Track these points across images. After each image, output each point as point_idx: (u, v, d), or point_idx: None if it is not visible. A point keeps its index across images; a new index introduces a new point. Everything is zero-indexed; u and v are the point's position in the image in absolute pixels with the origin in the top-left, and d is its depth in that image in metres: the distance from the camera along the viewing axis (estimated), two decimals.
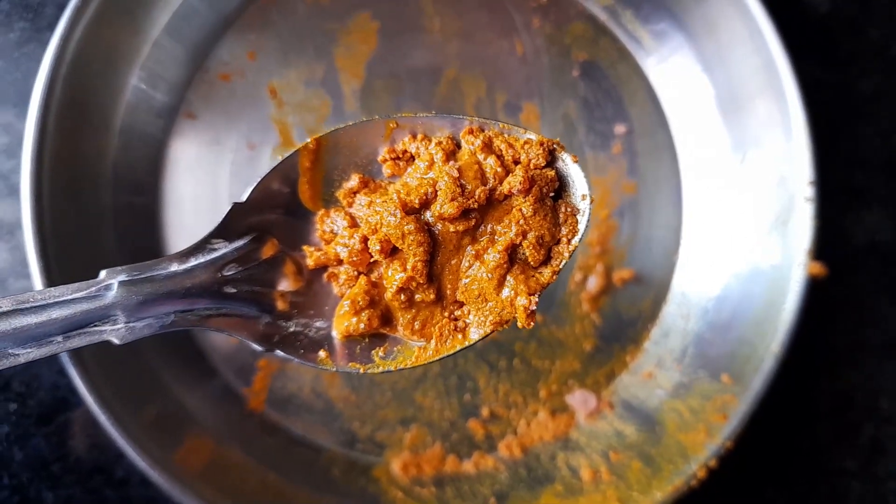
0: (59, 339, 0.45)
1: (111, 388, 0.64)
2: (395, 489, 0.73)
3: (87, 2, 0.65)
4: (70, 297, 0.45)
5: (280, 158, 0.53)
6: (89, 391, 0.62)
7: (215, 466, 0.69)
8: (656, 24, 0.78)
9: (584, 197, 0.50)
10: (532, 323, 0.48)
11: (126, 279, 0.47)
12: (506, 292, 0.49)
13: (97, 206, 0.70)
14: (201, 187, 0.75)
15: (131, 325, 0.47)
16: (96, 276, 0.47)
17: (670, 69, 0.79)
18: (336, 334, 0.53)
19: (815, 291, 0.68)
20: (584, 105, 0.80)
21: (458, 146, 0.52)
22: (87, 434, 0.71)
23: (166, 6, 0.71)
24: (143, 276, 0.47)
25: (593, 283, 0.78)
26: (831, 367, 0.79)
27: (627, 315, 0.79)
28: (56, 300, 0.45)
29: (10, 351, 0.44)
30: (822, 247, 0.69)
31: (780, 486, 0.77)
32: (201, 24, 0.75)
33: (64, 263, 0.64)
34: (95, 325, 0.46)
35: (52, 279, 0.63)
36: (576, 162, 0.50)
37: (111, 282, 0.46)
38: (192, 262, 0.50)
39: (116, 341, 0.46)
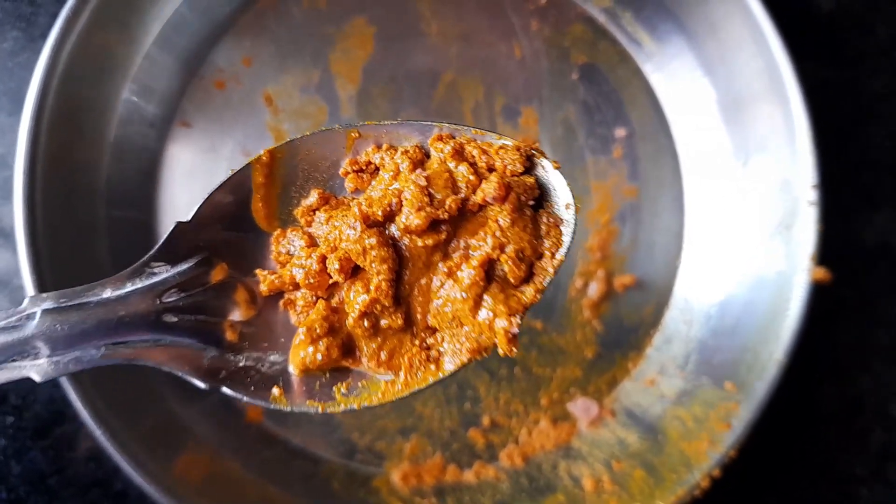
0: None
1: (106, 400, 0.63)
2: (396, 500, 0.72)
3: (79, 12, 0.64)
4: None
5: (232, 171, 0.49)
6: (84, 405, 0.61)
7: (213, 479, 0.68)
8: (657, 26, 0.77)
9: (567, 206, 0.46)
10: (514, 349, 0.43)
11: (51, 307, 0.42)
12: (483, 314, 0.44)
13: (91, 217, 0.69)
14: (197, 196, 0.72)
15: (55, 359, 0.42)
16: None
17: (671, 72, 0.78)
18: (293, 369, 0.47)
19: (823, 294, 0.67)
20: (583, 109, 0.79)
21: (428, 156, 0.47)
22: (84, 447, 0.71)
23: (158, 16, 0.71)
24: (70, 303, 0.42)
25: (594, 290, 0.77)
26: (840, 371, 0.78)
27: (629, 321, 0.78)
28: None
29: None
30: (831, 249, 0.67)
31: (786, 494, 0.76)
32: (194, 32, 0.74)
33: (58, 273, 0.64)
34: (14, 360, 0.41)
35: (44, 290, 0.61)
36: (557, 168, 0.46)
37: (34, 310, 0.41)
38: (129, 287, 0.45)
39: (37, 378, 0.41)
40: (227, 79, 0.75)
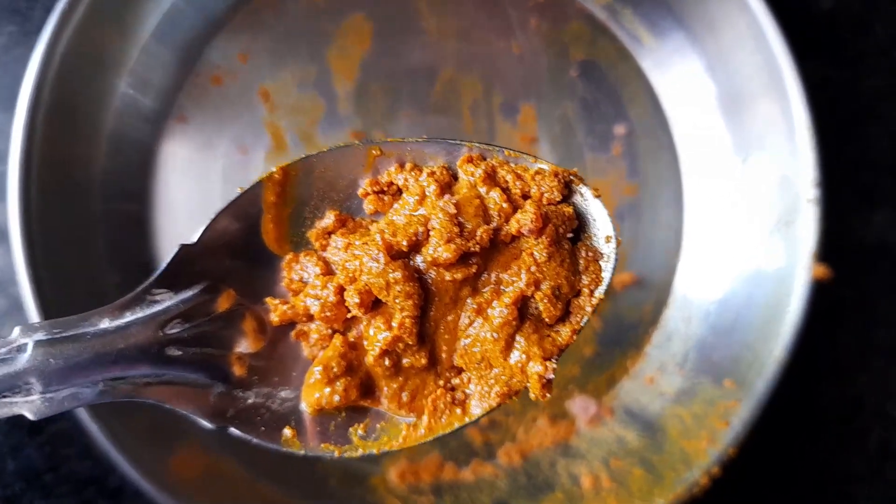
0: None
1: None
2: (393, 498, 0.72)
3: (75, 6, 0.64)
4: None
5: (241, 189, 0.45)
6: None
7: (209, 477, 0.68)
8: (656, 23, 0.76)
9: (608, 239, 0.42)
10: (548, 395, 0.40)
11: (44, 338, 0.38)
12: (515, 356, 0.41)
13: (87, 212, 0.69)
14: (192, 192, 0.74)
15: (49, 395, 0.38)
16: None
17: (671, 68, 0.78)
18: (305, 407, 0.44)
19: (822, 293, 0.67)
20: (582, 106, 0.78)
21: (455, 177, 0.44)
22: (80, 444, 0.71)
23: (154, 10, 0.70)
24: (65, 334, 0.39)
25: None
26: (839, 370, 0.78)
27: (628, 319, 0.77)
28: None
29: None
30: (830, 248, 0.67)
31: (786, 492, 0.76)
32: (190, 27, 0.73)
33: (54, 269, 0.64)
34: (5, 396, 0.37)
35: (41, 287, 0.62)
36: (598, 196, 0.42)
37: (25, 342, 0.38)
38: (128, 317, 0.41)
39: (31, 416, 0.38)
40: (224, 74, 0.75)
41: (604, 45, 0.79)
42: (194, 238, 0.43)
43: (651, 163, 0.78)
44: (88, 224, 0.69)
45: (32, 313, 0.61)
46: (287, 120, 0.75)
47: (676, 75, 0.78)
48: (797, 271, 0.67)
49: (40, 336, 0.38)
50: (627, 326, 0.77)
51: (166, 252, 0.72)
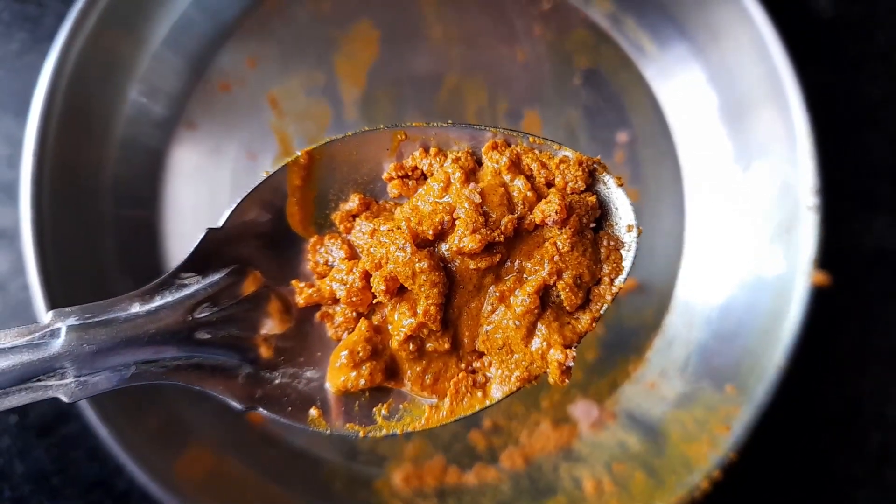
0: None
1: (110, 400, 0.63)
2: (397, 501, 0.72)
3: (87, 14, 0.65)
4: (8, 344, 0.37)
5: (267, 173, 0.45)
6: (88, 403, 0.62)
7: (216, 479, 0.68)
8: (659, 32, 0.77)
9: (630, 228, 0.42)
10: (566, 381, 0.41)
11: (77, 323, 0.39)
12: (536, 343, 0.41)
13: (97, 217, 0.70)
14: (201, 197, 0.74)
15: (83, 379, 0.39)
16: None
17: (673, 77, 0.79)
18: (330, 387, 0.44)
19: (822, 298, 0.67)
20: (586, 113, 0.79)
21: (480, 163, 0.44)
22: (88, 446, 0.71)
23: (165, 18, 0.71)
24: (97, 319, 0.39)
25: None
26: (839, 375, 0.79)
27: (630, 324, 0.78)
28: None
29: None
30: (830, 254, 0.68)
31: (786, 495, 0.77)
32: (200, 34, 0.74)
33: (64, 274, 0.64)
34: (39, 380, 0.38)
35: (51, 290, 0.62)
36: (620, 185, 0.42)
37: (58, 326, 0.38)
38: (158, 301, 0.41)
39: (65, 399, 0.38)
40: (232, 81, 0.76)
41: (607, 53, 0.80)
42: (220, 222, 0.43)
43: (653, 170, 0.79)
44: (98, 229, 0.70)
45: (41, 316, 0.62)
46: (295, 126, 0.76)
47: (679, 84, 0.79)
48: (797, 277, 0.68)
49: (73, 321, 0.39)
50: (629, 332, 0.78)
51: (175, 257, 0.73)
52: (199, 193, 0.74)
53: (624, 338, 0.78)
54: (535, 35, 0.79)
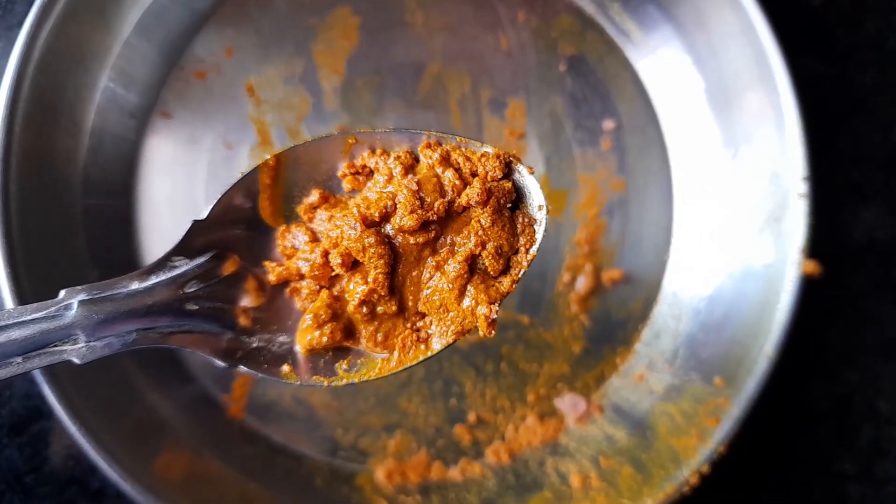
0: (19, 360, 0.45)
1: (83, 397, 0.62)
2: (380, 498, 0.71)
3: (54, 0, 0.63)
4: (29, 317, 0.45)
5: (242, 174, 0.53)
6: (60, 401, 0.60)
7: (194, 477, 0.67)
8: (645, 16, 0.76)
9: (540, 207, 0.51)
10: (493, 332, 0.49)
11: (86, 298, 0.46)
12: (466, 302, 0.50)
13: (68, 210, 0.68)
14: (177, 188, 0.73)
15: (92, 344, 0.46)
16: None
17: (659, 62, 0.77)
18: (299, 348, 0.53)
19: (811, 290, 0.66)
20: (571, 101, 0.78)
21: (417, 160, 0.53)
22: (62, 444, 0.70)
23: (137, 4, 0.69)
24: (103, 294, 0.47)
25: (582, 284, 0.76)
26: (829, 368, 0.78)
27: (617, 316, 0.77)
28: (15, 321, 0.45)
29: None
30: (819, 245, 0.67)
31: (776, 491, 0.76)
32: (174, 22, 0.72)
33: (34, 269, 0.63)
34: (55, 346, 0.46)
35: (20, 286, 0.61)
36: (532, 173, 0.51)
37: (71, 301, 0.46)
38: (153, 279, 0.50)
39: (77, 361, 0.46)
40: (209, 69, 0.74)
41: (592, 39, 0.78)
42: (204, 214, 0.52)
43: (640, 158, 0.78)
44: (70, 221, 0.68)
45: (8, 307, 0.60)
46: (273, 115, 0.75)
47: (665, 70, 0.77)
48: (787, 268, 0.67)
49: (83, 296, 0.46)
50: (616, 323, 0.77)
51: (148, 248, 0.72)
52: (176, 184, 0.73)
53: (611, 329, 0.77)
54: (519, 22, 0.77)
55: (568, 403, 0.75)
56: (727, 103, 0.73)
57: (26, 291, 0.61)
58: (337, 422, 0.73)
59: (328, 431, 0.73)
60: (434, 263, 0.51)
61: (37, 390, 0.69)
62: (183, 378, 0.72)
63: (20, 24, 0.63)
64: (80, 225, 0.68)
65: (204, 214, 0.52)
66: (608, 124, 0.78)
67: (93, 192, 0.69)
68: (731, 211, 0.74)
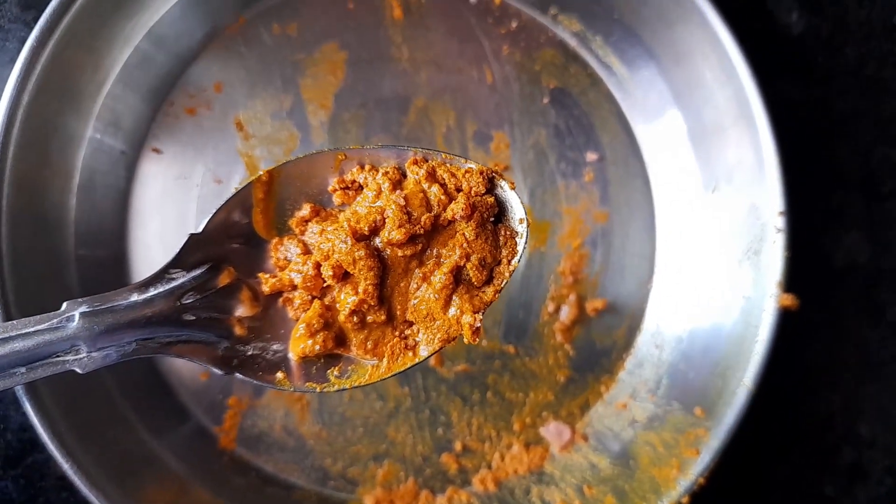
0: (23, 370, 0.47)
1: (74, 430, 0.63)
2: None
3: (47, 37, 0.63)
4: (32, 328, 0.47)
5: (236, 189, 0.55)
6: (50, 435, 0.61)
7: None
8: (626, 51, 0.77)
9: (521, 220, 0.54)
10: (477, 339, 0.52)
11: (87, 310, 0.48)
12: (452, 311, 0.53)
13: (60, 248, 0.69)
14: (168, 223, 0.74)
15: (93, 354, 0.48)
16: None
17: (641, 95, 0.78)
18: (292, 356, 0.55)
19: (793, 314, 0.67)
20: (555, 133, 0.79)
21: (404, 176, 0.55)
22: (56, 476, 0.71)
23: (129, 41, 0.70)
24: (103, 306, 0.49)
25: (566, 314, 0.77)
26: (810, 391, 0.79)
27: (601, 345, 0.78)
28: (18, 332, 0.46)
29: None
30: (799, 269, 0.68)
31: None
32: (161, 64, 0.73)
33: (24, 307, 0.63)
34: (58, 356, 0.47)
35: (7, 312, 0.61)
36: (513, 189, 0.53)
37: (73, 313, 0.48)
38: (152, 291, 0.51)
39: (79, 370, 0.48)
40: (198, 105, 0.75)
41: (575, 72, 0.79)
42: (200, 228, 0.54)
43: (623, 190, 0.79)
44: (60, 259, 0.69)
45: None
46: (262, 149, 0.76)
47: (647, 103, 0.78)
48: (766, 300, 0.68)
49: (84, 308, 0.48)
50: (600, 352, 0.78)
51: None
52: (166, 220, 0.74)
53: (595, 358, 0.78)
54: (503, 55, 0.78)
55: (553, 432, 0.76)
56: (707, 137, 0.74)
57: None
58: (326, 451, 0.74)
59: (318, 461, 0.74)
60: (421, 275, 0.53)
61: (31, 423, 0.70)
62: (174, 410, 0.73)
63: (12, 61, 0.64)
64: (71, 264, 0.69)
65: (200, 228, 0.54)
66: (591, 156, 0.79)
67: (83, 232, 0.70)
68: (712, 242, 0.75)
